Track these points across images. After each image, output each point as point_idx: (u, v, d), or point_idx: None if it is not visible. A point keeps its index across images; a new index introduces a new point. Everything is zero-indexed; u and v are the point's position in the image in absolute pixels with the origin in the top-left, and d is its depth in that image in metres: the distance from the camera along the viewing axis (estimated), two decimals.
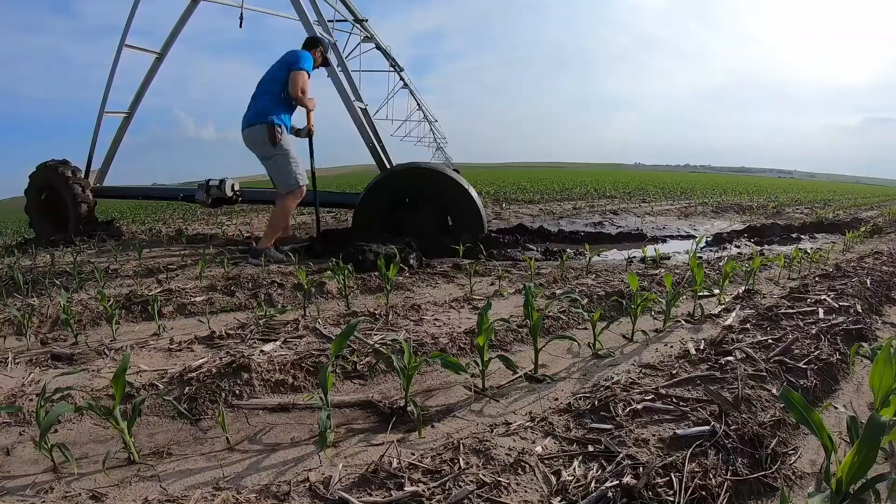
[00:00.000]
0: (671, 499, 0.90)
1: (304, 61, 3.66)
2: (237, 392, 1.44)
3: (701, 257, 3.56)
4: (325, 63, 3.99)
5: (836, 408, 1.30)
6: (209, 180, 4.58)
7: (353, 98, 4.35)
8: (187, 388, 1.42)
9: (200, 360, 1.61)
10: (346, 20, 6.90)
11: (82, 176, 5.20)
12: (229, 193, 4.48)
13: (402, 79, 8.44)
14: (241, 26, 5.17)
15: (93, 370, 1.63)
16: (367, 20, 7.24)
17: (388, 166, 4.26)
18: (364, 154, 4.40)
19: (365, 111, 4.61)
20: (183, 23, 5.18)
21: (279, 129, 3.63)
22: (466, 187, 4.09)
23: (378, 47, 7.80)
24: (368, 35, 7.56)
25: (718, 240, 4.93)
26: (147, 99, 5.54)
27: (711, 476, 0.97)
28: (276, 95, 3.69)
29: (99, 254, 4.00)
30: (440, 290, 2.75)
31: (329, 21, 6.55)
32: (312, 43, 3.88)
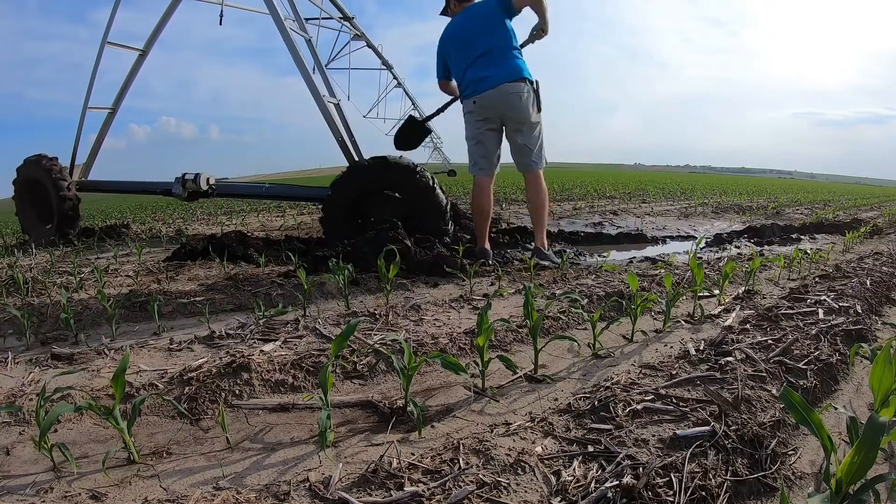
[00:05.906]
0: (671, 499, 0.90)
1: None
2: (237, 392, 1.44)
3: (701, 258, 3.56)
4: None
5: (835, 408, 1.30)
6: (185, 174, 4.66)
7: (323, 94, 4.42)
8: (187, 387, 1.42)
9: (200, 360, 1.61)
10: (331, 17, 6.97)
11: (66, 169, 5.25)
12: (204, 187, 4.60)
13: (394, 77, 8.42)
14: (220, 23, 5.54)
15: (93, 370, 1.63)
16: (354, 17, 7.28)
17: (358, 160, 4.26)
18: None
19: (337, 106, 4.69)
20: (165, 20, 5.31)
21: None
22: (432, 183, 4.03)
23: (369, 45, 7.82)
24: (358, 33, 7.59)
25: (718, 240, 4.92)
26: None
27: (711, 476, 0.97)
28: (515, 49, 3.16)
29: (99, 254, 4.00)
30: (440, 290, 2.75)
31: (314, 19, 6.62)
32: None
